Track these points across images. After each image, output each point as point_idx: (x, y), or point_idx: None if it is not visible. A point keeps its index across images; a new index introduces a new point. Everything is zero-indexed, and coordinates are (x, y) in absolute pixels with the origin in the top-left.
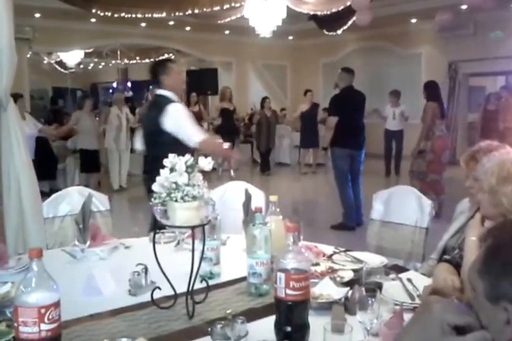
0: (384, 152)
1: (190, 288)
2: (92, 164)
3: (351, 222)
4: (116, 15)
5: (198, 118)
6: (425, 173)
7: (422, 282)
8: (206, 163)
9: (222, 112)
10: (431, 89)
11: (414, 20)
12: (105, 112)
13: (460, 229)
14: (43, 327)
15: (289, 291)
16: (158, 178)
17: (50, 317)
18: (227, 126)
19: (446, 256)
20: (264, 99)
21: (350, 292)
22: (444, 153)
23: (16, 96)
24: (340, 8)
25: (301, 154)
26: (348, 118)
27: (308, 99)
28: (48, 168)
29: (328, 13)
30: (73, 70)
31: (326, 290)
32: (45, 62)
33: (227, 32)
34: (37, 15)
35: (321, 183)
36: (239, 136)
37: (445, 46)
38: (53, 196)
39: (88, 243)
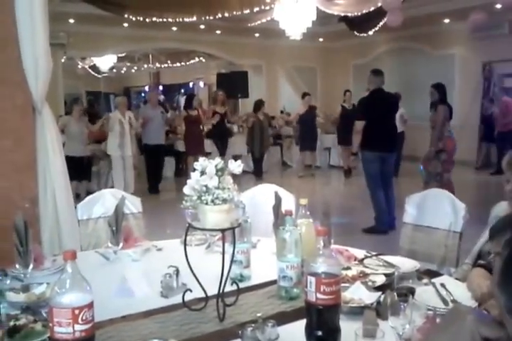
0: None
1: (220, 291)
2: (76, 172)
3: (383, 226)
4: (147, 20)
5: (197, 122)
6: (441, 174)
7: (455, 287)
8: (236, 166)
9: (214, 115)
10: (442, 92)
11: (447, 21)
12: (104, 118)
13: None
14: (77, 327)
15: (319, 295)
16: (188, 181)
17: (84, 317)
18: (219, 130)
19: (481, 261)
20: (260, 102)
21: (382, 296)
22: (455, 152)
23: None
24: (370, 9)
25: (299, 157)
26: (376, 121)
27: (306, 102)
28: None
29: (359, 14)
30: (106, 74)
31: (358, 294)
32: (79, 66)
33: (257, 35)
34: (71, 20)
35: (322, 185)
36: (227, 138)
37: (479, 46)
38: (87, 198)
39: (121, 245)
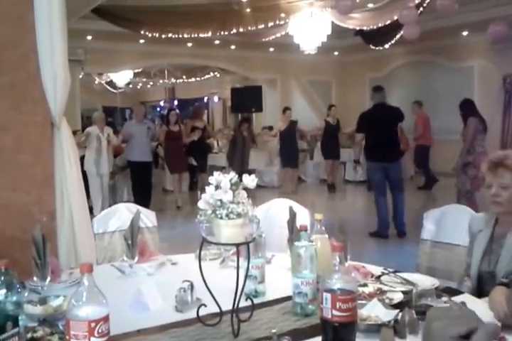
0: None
1: (235, 306)
2: None
3: (384, 231)
4: (163, 36)
5: (178, 138)
6: (471, 191)
7: (476, 305)
8: (250, 181)
9: (193, 131)
10: (469, 107)
11: (465, 33)
12: (85, 134)
13: (486, 250)
14: (93, 340)
15: (335, 312)
16: (203, 195)
17: (100, 331)
18: (198, 145)
19: (503, 280)
20: (246, 119)
21: (399, 314)
22: None
23: None
24: (387, 23)
25: (280, 174)
26: (373, 135)
27: (287, 117)
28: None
29: (375, 27)
30: (123, 90)
31: (375, 312)
32: (96, 82)
33: (271, 49)
34: (88, 37)
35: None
36: (207, 154)
37: (499, 59)
38: (103, 212)
39: (136, 258)
